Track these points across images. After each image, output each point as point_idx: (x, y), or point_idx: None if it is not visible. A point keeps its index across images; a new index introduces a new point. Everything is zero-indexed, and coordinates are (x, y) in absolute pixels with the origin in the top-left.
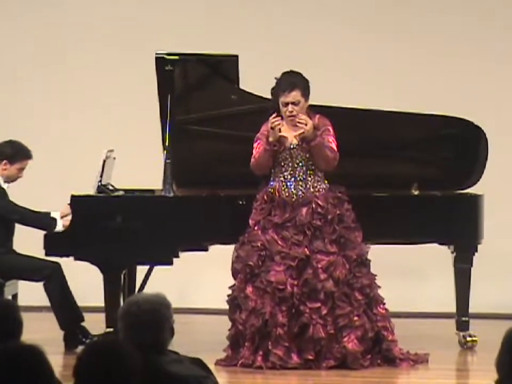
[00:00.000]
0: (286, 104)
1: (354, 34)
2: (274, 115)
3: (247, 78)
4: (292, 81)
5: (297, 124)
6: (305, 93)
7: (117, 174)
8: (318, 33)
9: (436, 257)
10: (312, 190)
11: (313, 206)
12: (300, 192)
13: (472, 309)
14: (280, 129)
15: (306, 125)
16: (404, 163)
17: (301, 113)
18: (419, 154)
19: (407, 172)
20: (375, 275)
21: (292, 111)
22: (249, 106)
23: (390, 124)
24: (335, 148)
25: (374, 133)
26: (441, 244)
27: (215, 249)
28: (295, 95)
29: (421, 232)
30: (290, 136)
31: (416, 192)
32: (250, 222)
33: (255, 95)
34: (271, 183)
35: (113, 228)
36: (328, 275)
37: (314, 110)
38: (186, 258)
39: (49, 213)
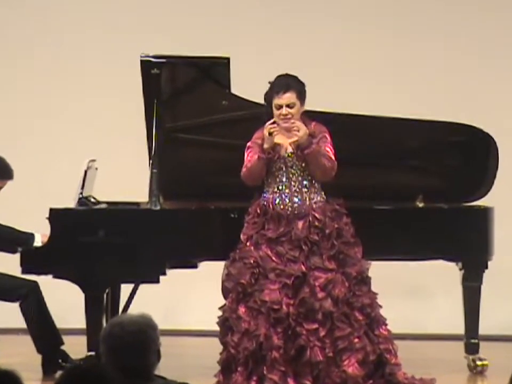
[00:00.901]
0: (280, 106)
1: (353, 35)
2: (271, 121)
3: (239, 82)
4: (287, 82)
5: (290, 130)
6: (301, 96)
7: (99, 185)
8: (314, 36)
9: (443, 274)
10: (308, 202)
11: (310, 219)
12: (296, 204)
13: (482, 331)
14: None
15: (298, 131)
16: (407, 173)
17: (296, 118)
18: (424, 163)
19: (411, 182)
20: (377, 294)
21: (286, 114)
22: (241, 113)
23: (392, 131)
24: (333, 157)
25: (375, 141)
26: (448, 260)
27: (205, 266)
28: (290, 96)
29: (426, 248)
30: (285, 144)
31: (420, 205)
32: (242, 237)
33: (248, 100)
34: (264, 194)
35: (95, 243)
36: (326, 294)
37: (310, 116)
38: (174, 276)
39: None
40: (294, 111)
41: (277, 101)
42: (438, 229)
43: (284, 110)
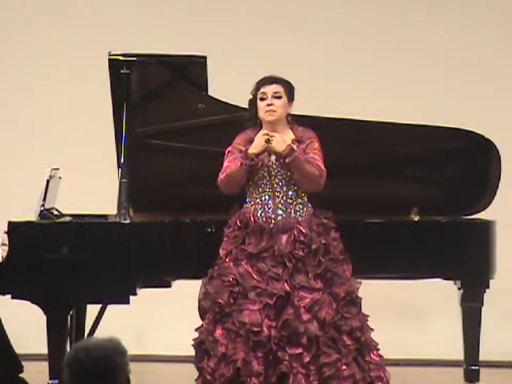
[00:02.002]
0: (265, 96)
1: (345, 36)
2: (265, 131)
3: (217, 84)
4: (274, 77)
5: (265, 140)
6: (289, 93)
7: (63, 196)
8: (302, 36)
9: (440, 294)
10: (293, 214)
11: (295, 233)
12: (280, 217)
13: (483, 356)
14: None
15: (270, 140)
16: (402, 183)
17: (281, 114)
18: (419, 172)
19: (405, 193)
20: (367, 316)
21: (271, 104)
22: (220, 117)
23: (384, 136)
24: (321, 164)
25: (366, 148)
26: (446, 278)
27: (179, 285)
28: (277, 86)
29: (422, 265)
30: (269, 150)
31: (416, 218)
32: (221, 252)
33: (227, 103)
34: (246, 205)
35: (58, 260)
36: (312, 316)
37: (297, 120)
38: (145, 296)
39: None
40: (280, 104)
41: (262, 89)
42: (435, 245)
43: (269, 100)
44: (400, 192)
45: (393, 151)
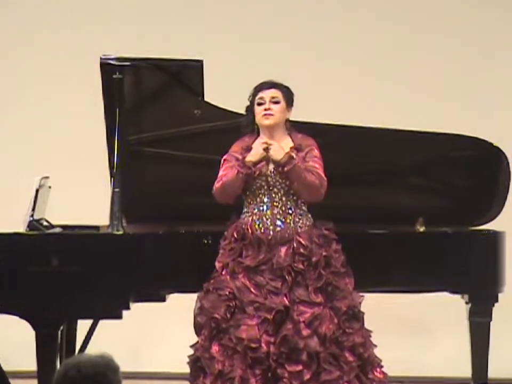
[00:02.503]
0: (262, 101)
1: (346, 39)
2: (264, 140)
3: (214, 89)
4: (272, 82)
5: (263, 148)
6: (288, 99)
7: (52, 206)
8: (302, 40)
9: (446, 308)
10: (293, 225)
11: (294, 245)
12: (278, 228)
13: (491, 373)
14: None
15: (268, 148)
16: (407, 193)
17: (279, 120)
18: (425, 182)
19: (410, 203)
20: (370, 331)
21: (269, 108)
22: (216, 124)
23: (388, 144)
24: (322, 173)
25: (369, 156)
26: (453, 292)
27: (174, 299)
28: (275, 91)
29: (427, 279)
30: (267, 159)
31: (421, 229)
32: (217, 265)
33: (224, 109)
34: (243, 216)
35: (48, 273)
36: (312, 331)
37: (296, 127)
38: (139, 311)
39: None
40: (278, 109)
41: (260, 94)
42: (441, 257)
43: (267, 104)
44: (405, 202)
45: (398, 159)
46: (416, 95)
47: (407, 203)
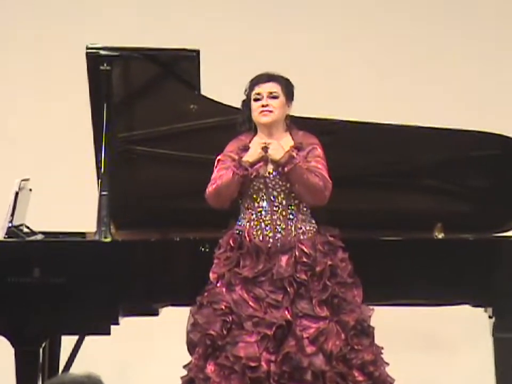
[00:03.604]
0: (259, 97)
1: (353, 27)
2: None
3: (212, 82)
4: (269, 74)
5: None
6: (287, 93)
7: (33, 211)
8: (305, 30)
9: (467, 322)
10: (294, 232)
11: (296, 253)
12: (279, 235)
13: None
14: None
15: (267, 147)
16: (423, 196)
17: (279, 117)
18: (443, 184)
19: (427, 207)
20: (381, 348)
21: (266, 105)
22: (214, 120)
23: (403, 142)
24: (326, 174)
25: (381, 155)
26: (475, 305)
27: (168, 313)
28: (273, 85)
29: (446, 290)
30: (266, 159)
31: (439, 236)
32: (211, 276)
33: (222, 104)
34: (239, 223)
35: (29, 284)
36: (317, 348)
37: (298, 123)
38: (129, 325)
39: None
40: (277, 105)
41: (256, 89)
42: (462, 266)
43: (265, 100)
44: (421, 206)
45: (413, 158)
46: (434, 89)
47: (424, 207)
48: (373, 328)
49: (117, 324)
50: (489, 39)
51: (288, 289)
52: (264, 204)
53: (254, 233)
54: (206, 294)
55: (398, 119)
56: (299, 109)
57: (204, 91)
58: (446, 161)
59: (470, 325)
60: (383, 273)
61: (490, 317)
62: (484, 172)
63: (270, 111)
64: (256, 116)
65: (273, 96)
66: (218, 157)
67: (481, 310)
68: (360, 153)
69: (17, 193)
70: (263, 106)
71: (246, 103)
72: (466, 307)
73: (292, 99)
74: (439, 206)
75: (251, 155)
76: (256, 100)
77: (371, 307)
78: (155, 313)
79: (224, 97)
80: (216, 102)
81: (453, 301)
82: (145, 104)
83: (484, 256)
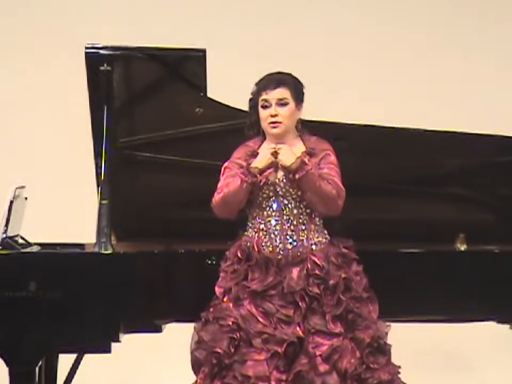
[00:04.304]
0: (267, 104)
1: (367, 28)
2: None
3: (219, 84)
4: (279, 77)
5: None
6: (297, 97)
7: (30, 221)
8: (318, 29)
9: (492, 339)
10: (306, 243)
11: (308, 266)
12: (289, 246)
13: None
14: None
15: (277, 153)
16: (444, 204)
17: (289, 125)
18: (466, 191)
19: (449, 217)
20: (399, 367)
21: (276, 115)
22: (221, 124)
23: (424, 148)
24: (339, 182)
25: (398, 161)
26: (500, 322)
27: (171, 329)
28: (282, 92)
29: (470, 306)
30: (276, 165)
31: (462, 247)
32: (217, 290)
33: (230, 107)
34: (246, 233)
35: (24, 299)
36: (330, 366)
37: (310, 128)
38: (130, 343)
39: None
40: (287, 113)
41: (264, 95)
42: (486, 280)
43: (273, 109)
44: (443, 216)
45: (434, 165)
46: (455, 90)
47: (445, 217)
48: (390, 345)
49: (118, 341)
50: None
51: (300, 303)
52: (274, 213)
53: (263, 244)
54: (211, 309)
55: (424, 123)
56: (313, 112)
57: (211, 93)
58: (469, 167)
59: (494, 343)
60: (401, 288)
61: None
62: (510, 178)
63: (280, 122)
64: (266, 126)
65: (282, 104)
66: (225, 164)
67: (506, 326)
68: (376, 160)
69: (11, 202)
70: (271, 116)
71: (253, 105)
72: (491, 324)
73: (302, 101)
74: (461, 215)
75: (260, 161)
76: (264, 107)
77: (388, 323)
78: (158, 330)
79: (231, 99)
80: (223, 104)
81: (476, 317)
82: (147, 107)
83: (509, 269)
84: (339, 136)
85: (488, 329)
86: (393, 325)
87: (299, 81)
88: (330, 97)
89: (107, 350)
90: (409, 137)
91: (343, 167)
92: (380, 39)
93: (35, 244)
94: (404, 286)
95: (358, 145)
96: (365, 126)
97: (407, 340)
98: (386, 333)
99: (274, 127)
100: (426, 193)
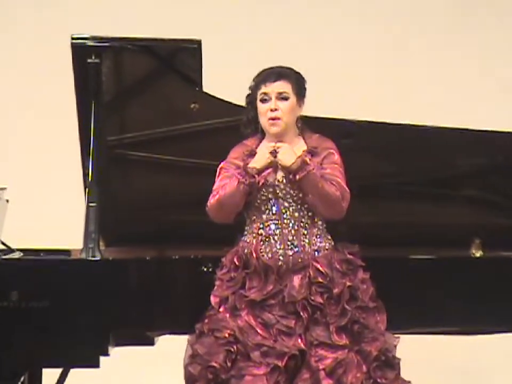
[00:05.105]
0: (266, 97)
1: (372, 19)
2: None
3: (215, 77)
4: (278, 70)
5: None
6: (299, 91)
7: (11, 225)
8: (320, 21)
9: (509, 353)
10: (308, 248)
11: (311, 273)
12: (290, 252)
13: None
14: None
15: (276, 152)
16: (459, 208)
17: (289, 120)
18: (482, 193)
19: (464, 221)
20: (409, 382)
21: (275, 109)
22: (218, 121)
23: (436, 146)
24: (343, 183)
25: (409, 161)
26: None
27: (164, 342)
28: (282, 84)
29: (485, 316)
30: (275, 165)
31: (478, 254)
32: (213, 300)
33: (228, 102)
34: (244, 238)
35: (5, 309)
36: (334, 381)
37: (312, 125)
38: (121, 357)
39: None
40: (287, 109)
41: (263, 89)
42: (503, 289)
43: (273, 103)
44: (457, 220)
45: (448, 165)
46: (473, 81)
47: (460, 221)
48: (399, 359)
49: (107, 354)
50: None
51: (302, 314)
52: (274, 216)
53: (262, 249)
54: (206, 320)
55: (438, 119)
56: (317, 108)
57: (207, 88)
58: (486, 168)
59: (510, 354)
60: (411, 297)
61: None
62: None
63: (279, 119)
64: (264, 122)
65: (282, 97)
66: (221, 165)
67: None
68: (384, 159)
69: None
70: (271, 110)
71: (251, 100)
72: (509, 336)
73: (304, 96)
74: (477, 219)
75: (258, 161)
76: (263, 100)
77: (396, 335)
78: (150, 343)
79: (229, 95)
80: (220, 100)
81: (492, 328)
82: (139, 102)
83: None
84: (348, 134)
85: (507, 341)
86: (402, 337)
87: (301, 76)
88: (338, 93)
89: (95, 364)
90: (422, 135)
91: (352, 167)
92: (393, 31)
93: (17, 249)
94: (414, 295)
95: (368, 144)
96: (376, 123)
97: (418, 354)
98: (395, 346)
99: (273, 125)
100: (439, 196)
